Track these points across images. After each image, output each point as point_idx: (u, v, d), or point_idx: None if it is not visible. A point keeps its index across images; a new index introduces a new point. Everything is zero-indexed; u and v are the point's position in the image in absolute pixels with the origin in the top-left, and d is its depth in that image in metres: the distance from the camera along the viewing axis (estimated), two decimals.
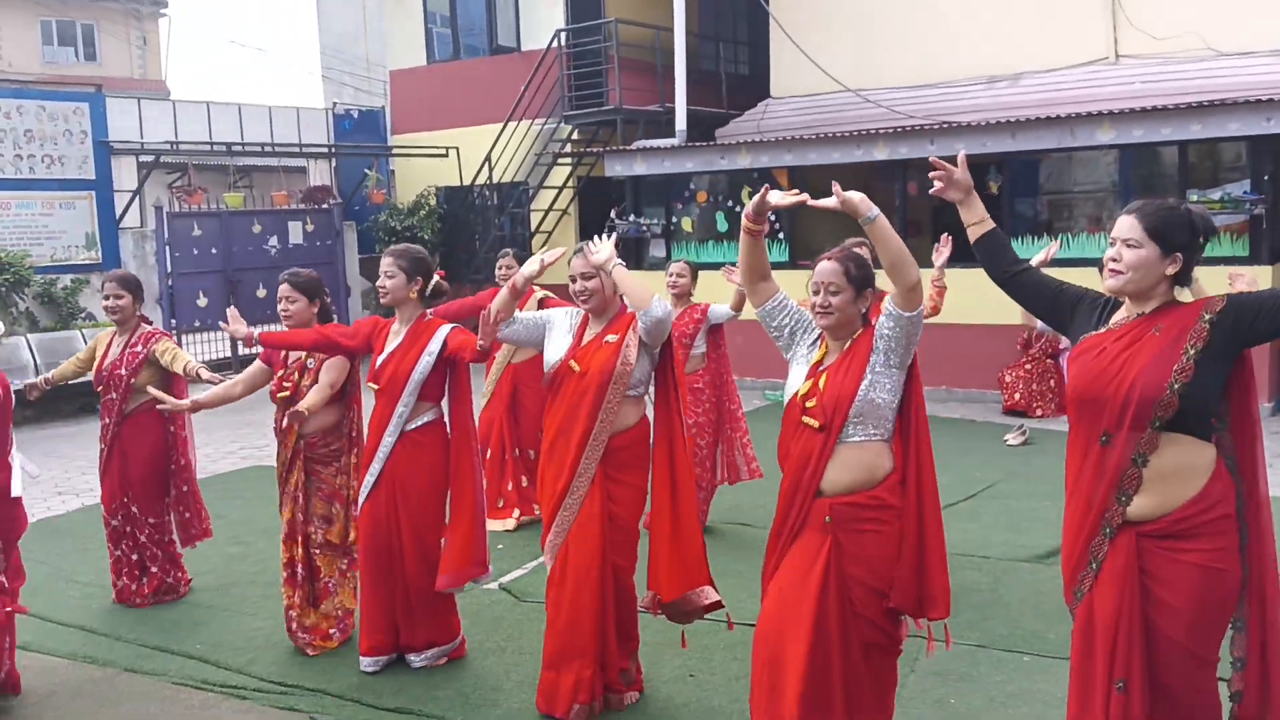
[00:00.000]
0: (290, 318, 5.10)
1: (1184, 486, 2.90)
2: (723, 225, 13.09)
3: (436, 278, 4.92)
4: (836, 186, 3.29)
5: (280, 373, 5.15)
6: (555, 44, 15.04)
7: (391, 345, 4.80)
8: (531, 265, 4.32)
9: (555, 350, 4.37)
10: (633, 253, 13.69)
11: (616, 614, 4.33)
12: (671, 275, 6.72)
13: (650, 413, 4.41)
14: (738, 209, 12.98)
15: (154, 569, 5.87)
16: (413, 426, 4.78)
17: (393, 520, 4.77)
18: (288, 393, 5.05)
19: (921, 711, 4.39)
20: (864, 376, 3.34)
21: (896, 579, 3.36)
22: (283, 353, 5.17)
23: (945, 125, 11.48)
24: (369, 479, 4.80)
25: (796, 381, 3.50)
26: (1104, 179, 12.35)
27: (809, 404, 3.40)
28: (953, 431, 9.97)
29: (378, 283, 4.85)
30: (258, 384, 5.27)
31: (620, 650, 4.41)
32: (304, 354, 5.10)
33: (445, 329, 4.77)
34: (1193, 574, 2.90)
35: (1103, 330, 3.06)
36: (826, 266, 3.42)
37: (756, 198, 3.44)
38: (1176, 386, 2.86)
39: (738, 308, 6.45)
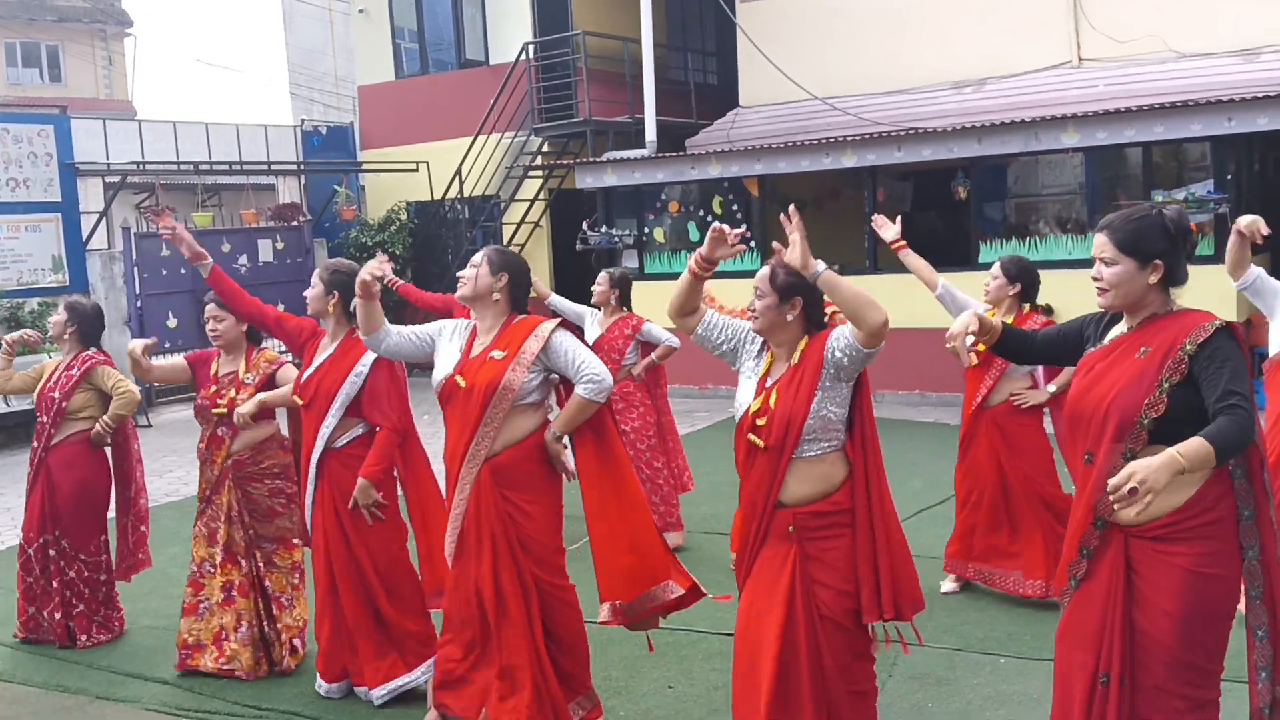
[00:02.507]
0: (219, 336, 5.09)
1: (1172, 495, 2.79)
2: (694, 235, 13.11)
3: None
4: (795, 238, 3.27)
5: (214, 388, 5.08)
6: (524, 57, 15.05)
7: (319, 359, 4.72)
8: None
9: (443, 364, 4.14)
10: (606, 263, 13.68)
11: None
12: (597, 285, 6.78)
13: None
14: (709, 218, 13.02)
15: (80, 607, 5.61)
16: (340, 443, 4.67)
17: (336, 542, 4.65)
18: (224, 409, 5.00)
19: (899, 717, 4.39)
20: (815, 394, 3.31)
21: (861, 584, 3.33)
22: (213, 367, 5.14)
23: (912, 131, 11.55)
24: (307, 500, 4.74)
25: (746, 396, 3.47)
26: (1070, 181, 12.45)
27: (759, 421, 3.37)
28: (925, 435, 10.01)
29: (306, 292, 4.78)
30: (170, 378, 5.31)
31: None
32: (241, 369, 5.07)
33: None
34: (1180, 577, 2.86)
35: (1097, 348, 3.08)
36: (760, 272, 3.44)
37: (706, 246, 3.45)
38: (1146, 422, 2.85)
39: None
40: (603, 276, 6.76)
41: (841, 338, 3.30)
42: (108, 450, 5.71)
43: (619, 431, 4.18)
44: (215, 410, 5.03)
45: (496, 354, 3.97)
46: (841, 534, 3.35)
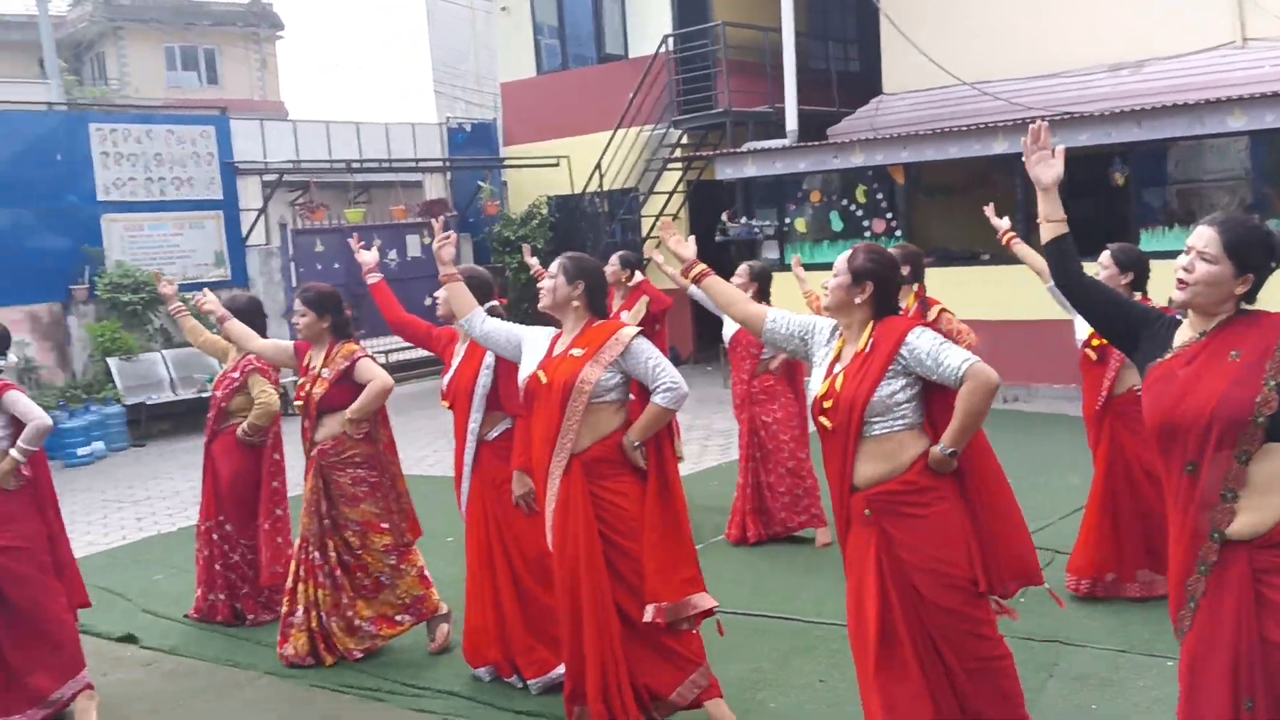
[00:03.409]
0: (301, 330, 5.28)
1: None
2: (837, 224, 12.93)
3: (493, 303, 4.93)
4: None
5: (301, 379, 5.30)
6: (663, 49, 15.07)
7: (455, 360, 4.90)
8: None
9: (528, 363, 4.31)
10: (746, 254, 13.61)
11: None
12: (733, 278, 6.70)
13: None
14: (852, 207, 12.82)
15: (244, 589, 5.90)
16: (491, 436, 4.82)
17: (492, 534, 4.79)
18: (302, 401, 5.24)
19: (1062, 718, 4.27)
20: (882, 381, 3.37)
21: (954, 558, 3.33)
22: (306, 359, 5.32)
23: (1067, 116, 11.14)
24: (463, 493, 4.88)
25: (816, 383, 3.56)
26: (1236, 167, 11.82)
27: (826, 404, 3.46)
28: (1080, 429, 9.63)
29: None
30: (273, 357, 5.50)
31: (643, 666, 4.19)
32: (320, 364, 5.23)
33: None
34: None
35: (1170, 356, 2.93)
36: (843, 253, 3.57)
37: (674, 244, 3.99)
38: (1261, 420, 2.72)
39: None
40: (742, 269, 6.70)
41: (923, 347, 3.36)
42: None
43: (673, 438, 4.32)
44: (296, 402, 5.29)
45: (576, 351, 4.13)
46: (922, 512, 3.36)
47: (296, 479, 5.80)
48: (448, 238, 4.53)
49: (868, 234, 12.67)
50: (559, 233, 16.55)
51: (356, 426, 5.15)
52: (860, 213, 12.79)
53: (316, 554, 5.20)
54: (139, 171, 13.12)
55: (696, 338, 15.41)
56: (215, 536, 5.88)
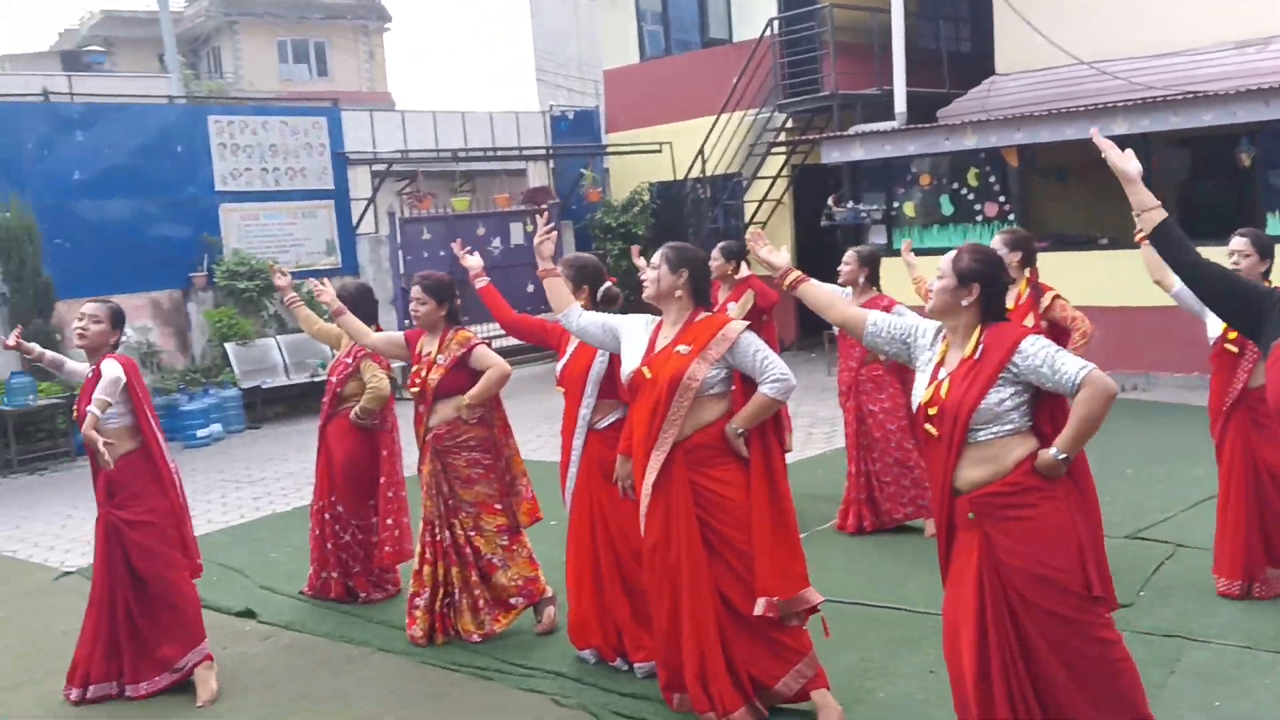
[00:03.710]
0: (419, 318, 5.31)
1: None
2: (947, 208, 12.64)
3: (607, 283, 4.97)
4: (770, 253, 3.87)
5: (415, 366, 5.33)
6: (768, 32, 14.91)
7: (571, 347, 4.89)
8: None
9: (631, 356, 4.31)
10: (852, 240, 13.40)
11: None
12: (844, 265, 6.58)
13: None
14: (963, 191, 12.52)
15: (356, 568, 6.02)
16: (602, 425, 4.81)
17: (598, 521, 4.79)
18: (417, 388, 5.27)
19: (1184, 715, 4.12)
20: (990, 390, 3.28)
21: (1063, 562, 3.24)
22: (419, 346, 5.35)
23: (1190, 95, 10.68)
24: (569, 482, 4.89)
25: (920, 389, 3.47)
26: None
27: (931, 411, 3.38)
28: (1204, 420, 9.25)
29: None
30: (385, 351, 5.54)
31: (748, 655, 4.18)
32: (434, 350, 5.26)
33: None
34: None
35: None
36: (947, 253, 3.48)
37: (765, 254, 3.89)
38: None
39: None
40: (850, 255, 6.58)
41: (1038, 356, 3.25)
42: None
43: (782, 431, 4.29)
44: (411, 389, 5.32)
45: (681, 349, 4.12)
46: (1027, 514, 3.26)
47: (410, 462, 5.89)
48: (549, 233, 4.54)
49: (979, 218, 12.36)
50: (660, 219, 16.52)
51: (472, 411, 5.19)
52: (971, 196, 12.48)
53: (446, 534, 5.27)
54: (254, 162, 13.46)
55: (800, 325, 15.25)
56: (328, 517, 6.00)
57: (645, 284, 4.27)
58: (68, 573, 7.04)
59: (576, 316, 4.45)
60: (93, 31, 32.54)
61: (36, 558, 7.51)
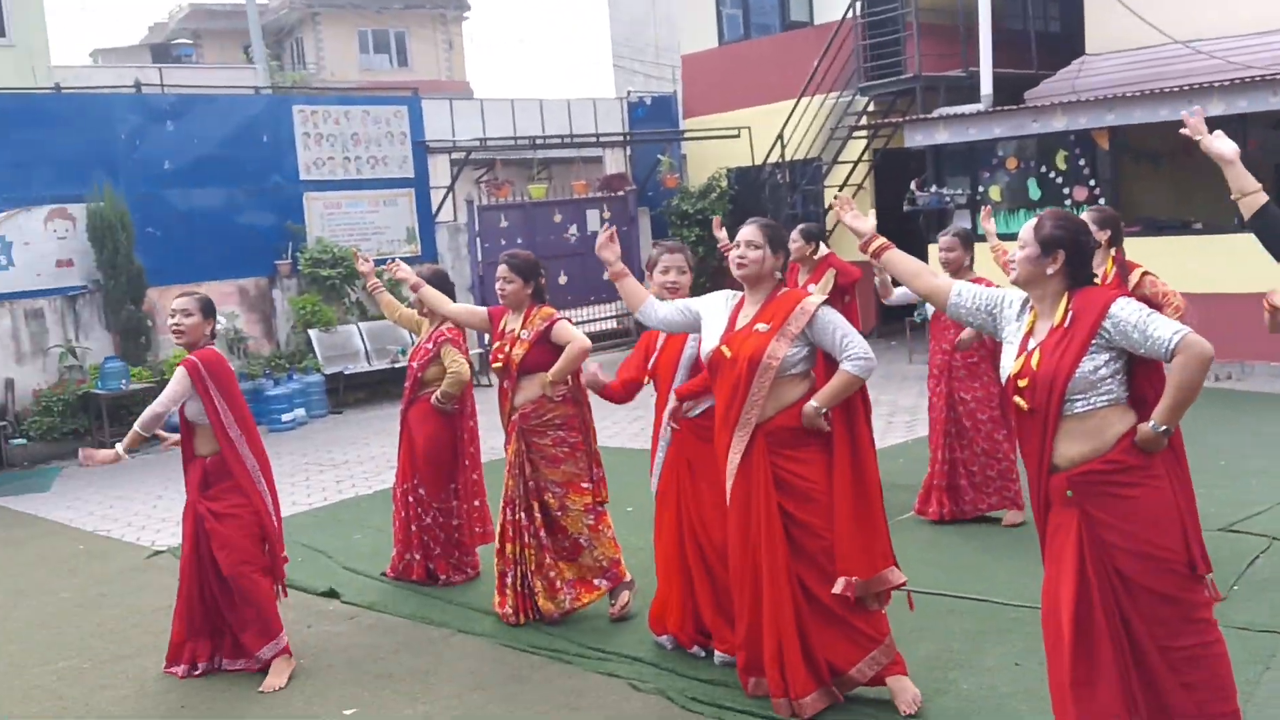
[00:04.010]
0: (506, 296, 5.33)
1: None
2: (1035, 192, 12.34)
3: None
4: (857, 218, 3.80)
5: (498, 343, 5.35)
6: (850, 14, 14.69)
7: (662, 336, 4.86)
8: None
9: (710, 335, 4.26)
10: (935, 225, 13.17)
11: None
12: (944, 250, 6.42)
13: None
14: (1051, 175, 12.21)
15: (437, 551, 6.07)
16: (694, 413, 4.73)
17: (685, 509, 4.73)
18: (500, 363, 5.29)
19: (1277, 715, 3.97)
20: (1084, 356, 3.17)
21: (1168, 540, 3.14)
22: (502, 323, 5.37)
23: None
24: (656, 469, 4.85)
25: (1009, 361, 3.36)
26: None
27: (1021, 383, 3.27)
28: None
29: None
30: (466, 321, 5.64)
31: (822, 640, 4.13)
32: (518, 327, 5.27)
33: None
34: None
35: None
36: (1027, 222, 3.39)
37: (850, 219, 3.79)
38: None
39: None
40: (952, 240, 6.40)
41: (1130, 319, 3.13)
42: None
43: (868, 412, 4.18)
44: (494, 365, 5.35)
45: (761, 327, 4.07)
46: (1130, 492, 3.16)
47: (490, 445, 5.94)
48: (610, 238, 4.53)
49: (1068, 202, 12.05)
50: (738, 205, 16.40)
51: (555, 388, 5.20)
52: (1060, 180, 12.16)
53: (522, 515, 5.29)
54: (337, 151, 13.65)
55: (880, 311, 15.02)
56: (410, 499, 6.07)
57: (741, 262, 4.19)
58: (159, 552, 7.23)
59: (654, 310, 4.42)
60: (181, 25, 33.31)
61: (129, 537, 7.73)
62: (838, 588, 3.99)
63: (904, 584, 4.10)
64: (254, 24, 19.37)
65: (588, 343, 5.22)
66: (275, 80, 23.33)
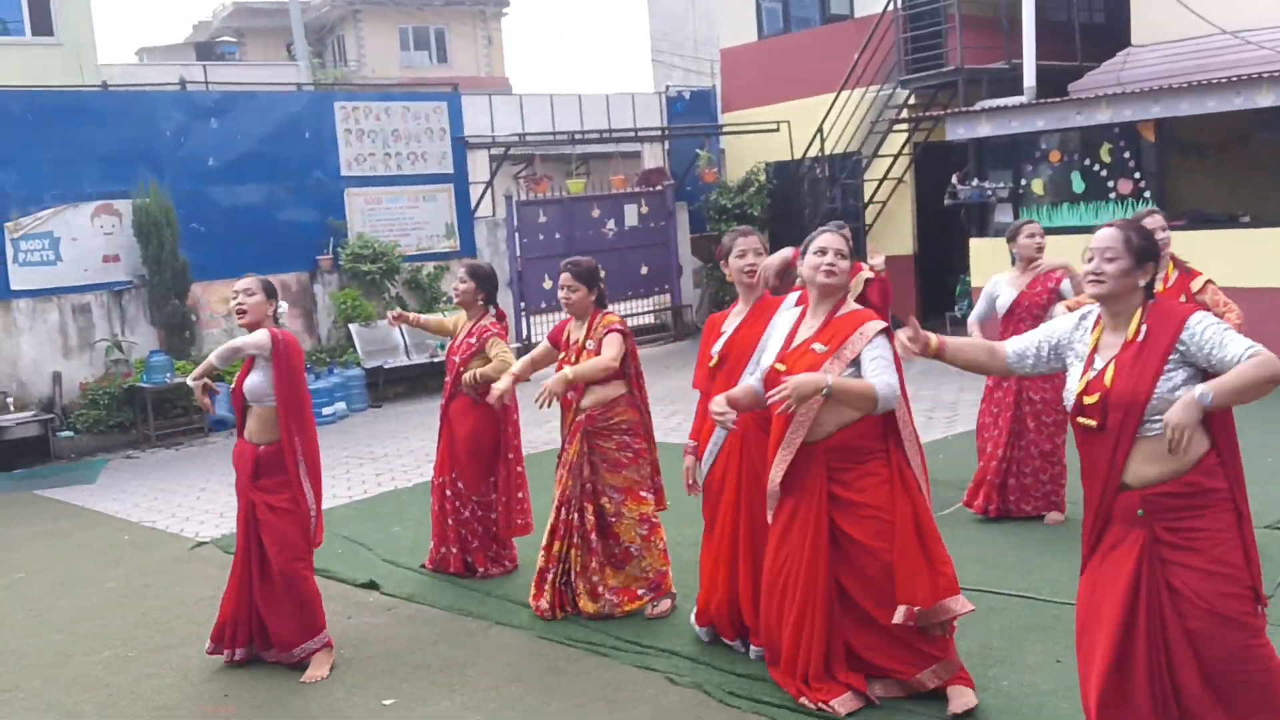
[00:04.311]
0: (570, 305, 5.30)
1: None
2: (1078, 186, 12.18)
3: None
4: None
5: (563, 354, 5.35)
6: (891, 7, 14.58)
7: (732, 324, 4.77)
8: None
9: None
10: (976, 219, 13.04)
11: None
12: (1033, 237, 6.33)
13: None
14: (1095, 168, 12.06)
15: (475, 544, 6.08)
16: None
17: (740, 506, 4.69)
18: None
19: None
20: (1160, 374, 3.07)
21: (1240, 564, 3.08)
22: (566, 332, 5.36)
23: None
24: (706, 459, 4.79)
25: (1074, 380, 3.27)
26: None
27: (1087, 400, 3.17)
28: None
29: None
30: (543, 363, 5.56)
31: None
32: (582, 336, 5.26)
33: (794, 294, 4.62)
34: None
35: None
36: (1106, 233, 3.24)
37: (903, 335, 3.55)
38: None
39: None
40: (1037, 227, 6.40)
41: (1206, 334, 3.04)
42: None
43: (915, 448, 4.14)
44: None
45: (818, 347, 4.00)
46: (1201, 515, 3.08)
47: (528, 438, 5.96)
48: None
49: (1112, 195, 11.89)
50: (777, 199, 16.34)
51: (552, 392, 5.03)
52: (1104, 173, 12.00)
53: (575, 516, 5.27)
54: (378, 147, 13.73)
55: (921, 306, 14.90)
56: (449, 493, 6.09)
57: (831, 271, 4.05)
58: (202, 543, 7.31)
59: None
60: (224, 23, 33.70)
61: (173, 528, 7.82)
62: (898, 617, 3.93)
63: (970, 612, 4.03)
64: (296, 22, 19.54)
65: (613, 366, 5.15)
66: (317, 77, 23.54)
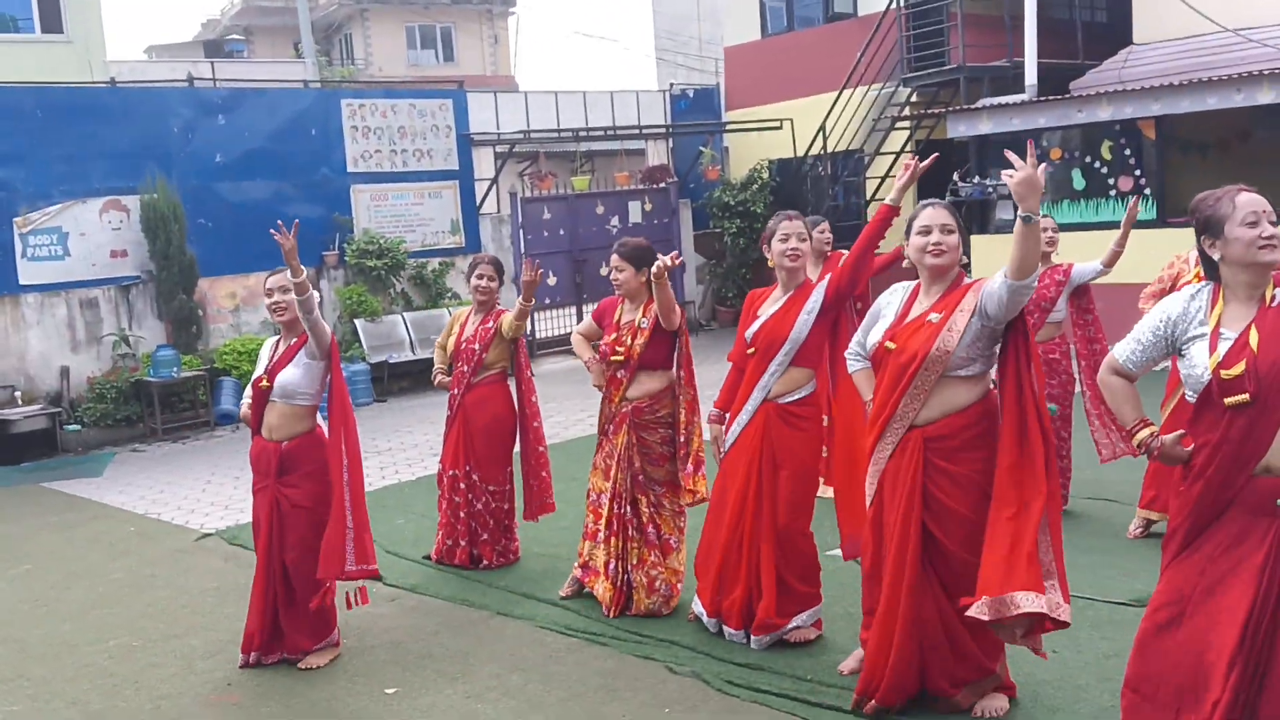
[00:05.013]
0: (620, 285, 5.21)
1: None
2: (1079, 183, 12.23)
3: None
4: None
5: (613, 335, 5.22)
6: (894, 5, 14.62)
7: (770, 309, 4.69)
8: None
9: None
10: (977, 216, 13.08)
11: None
12: (1045, 231, 6.32)
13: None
14: (1096, 164, 12.10)
15: (484, 536, 6.09)
16: (787, 399, 4.61)
17: (750, 493, 4.66)
18: (620, 356, 5.16)
19: None
20: None
21: None
22: (616, 314, 5.27)
23: None
24: (731, 434, 4.74)
25: (1202, 356, 3.01)
26: None
27: (1225, 374, 2.92)
28: None
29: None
30: (591, 338, 5.47)
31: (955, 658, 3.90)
32: (636, 317, 5.16)
33: (824, 281, 4.60)
34: None
35: None
36: (1254, 197, 3.09)
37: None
38: None
39: (1111, 263, 6.01)
40: (1051, 221, 6.27)
41: None
42: (513, 392, 6.13)
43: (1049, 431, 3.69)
44: (613, 358, 5.19)
45: (934, 317, 3.71)
46: None
47: (554, 424, 6.02)
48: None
49: (1112, 192, 11.94)
50: (779, 197, 16.39)
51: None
52: (1105, 170, 12.04)
53: (628, 508, 5.20)
54: (384, 144, 13.80)
55: None
56: (462, 485, 6.08)
57: (938, 250, 3.72)
58: (207, 535, 7.39)
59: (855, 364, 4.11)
60: (233, 21, 33.78)
61: (179, 520, 7.90)
62: (976, 611, 3.55)
63: (1041, 613, 3.50)
64: (304, 20, 19.62)
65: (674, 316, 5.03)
66: (324, 75, 23.60)
